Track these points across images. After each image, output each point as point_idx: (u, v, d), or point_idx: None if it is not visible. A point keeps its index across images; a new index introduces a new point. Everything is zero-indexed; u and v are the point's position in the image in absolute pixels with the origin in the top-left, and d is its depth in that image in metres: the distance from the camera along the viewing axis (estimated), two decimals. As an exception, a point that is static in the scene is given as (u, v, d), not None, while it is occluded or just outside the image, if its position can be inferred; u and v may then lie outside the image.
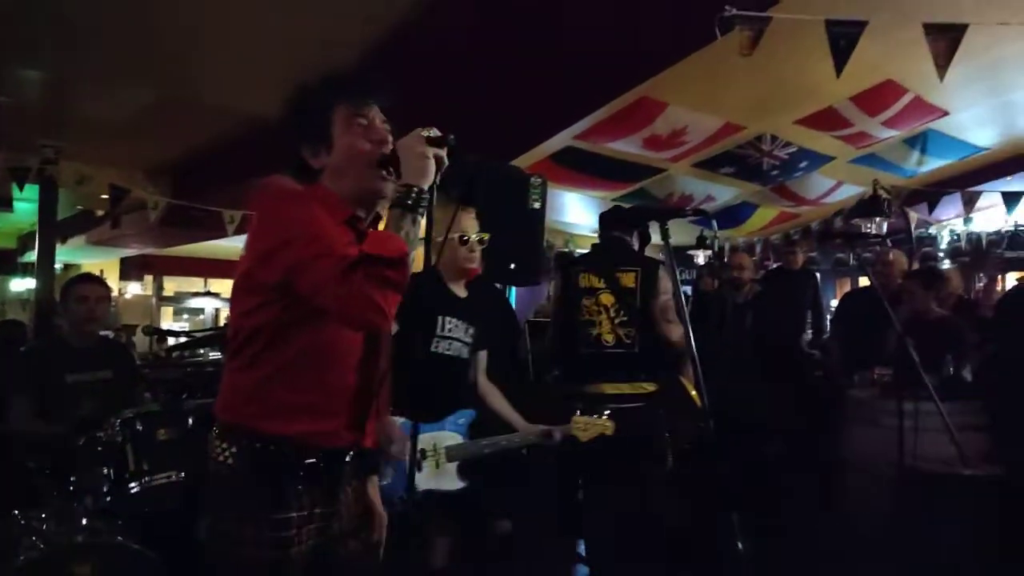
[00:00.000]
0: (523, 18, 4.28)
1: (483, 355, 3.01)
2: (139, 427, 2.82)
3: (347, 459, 1.68)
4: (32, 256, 10.48)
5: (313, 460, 1.60)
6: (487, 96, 4.87)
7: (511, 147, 5.57)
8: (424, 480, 2.68)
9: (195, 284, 15.09)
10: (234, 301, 1.63)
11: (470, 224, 2.85)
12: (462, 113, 4.90)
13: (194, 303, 15.09)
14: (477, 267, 2.87)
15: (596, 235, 8.82)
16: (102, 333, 3.81)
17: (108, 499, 2.71)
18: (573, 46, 4.38)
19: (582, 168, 6.48)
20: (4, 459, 3.07)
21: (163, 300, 14.94)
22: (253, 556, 1.53)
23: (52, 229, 6.75)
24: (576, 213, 8.11)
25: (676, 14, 4.04)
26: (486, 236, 2.86)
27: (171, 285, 15.09)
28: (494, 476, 2.91)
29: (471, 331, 2.89)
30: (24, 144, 6.20)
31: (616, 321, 3.38)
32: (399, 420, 2.58)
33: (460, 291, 2.90)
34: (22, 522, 2.62)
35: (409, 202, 1.51)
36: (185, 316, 15.55)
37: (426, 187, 1.52)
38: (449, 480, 2.74)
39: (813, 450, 4.14)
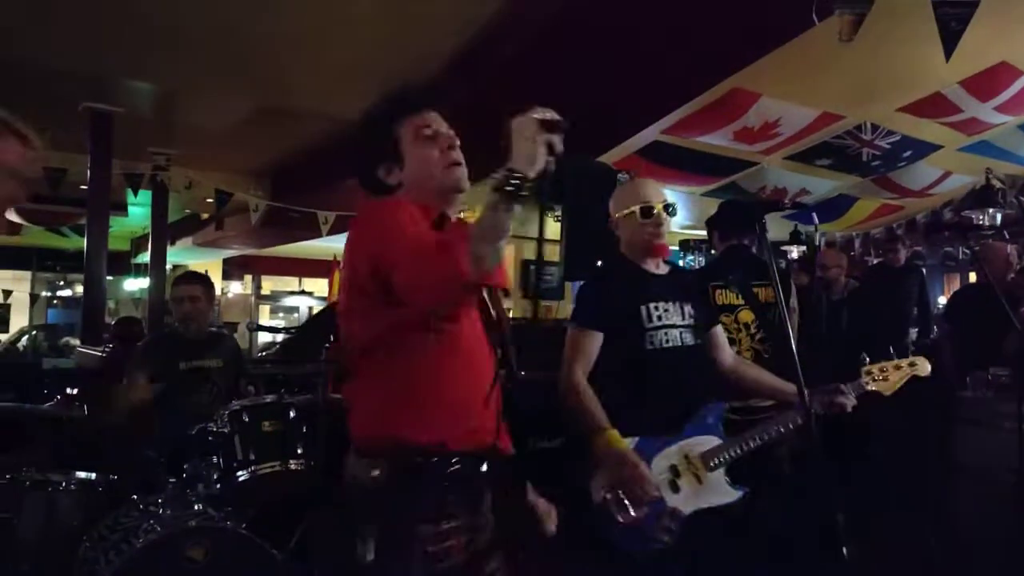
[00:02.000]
0: (611, 10, 4.24)
1: (719, 331, 2.51)
2: (246, 419, 2.96)
3: (487, 465, 1.64)
4: (143, 257, 11.20)
5: (457, 466, 1.57)
6: (573, 91, 4.84)
7: (598, 143, 5.53)
8: (687, 501, 2.17)
9: (290, 283, 15.73)
10: (344, 322, 1.64)
11: (652, 191, 2.34)
12: (548, 109, 4.92)
13: (289, 301, 15.72)
14: (666, 242, 2.36)
15: (684, 231, 8.71)
16: (211, 327, 4.02)
17: (218, 486, 2.86)
18: (662, 37, 4.31)
19: (670, 163, 6.38)
20: (126, 448, 3.28)
21: (261, 299, 15.63)
22: (418, 572, 1.52)
23: (163, 232, 7.18)
24: (664, 209, 7.97)
25: (770, 1, 3.91)
26: (673, 202, 2.35)
27: (268, 284, 15.78)
28: (773, 471, 2.48)
29: (688, 309, 2.35)
30: (137, 152, 6.64)
31: (756, 338, 3.19)
32: (630, 442, 2.14)
33: (657, 269, 2.38)
34: (140, 507, 2.78)
35: (509, 188, 1.36)
36: (281, 314, 16.21)
37: (533, 174, 1.39)
38: (721, 492, 2.22)
39: (922, 454, 3.93)
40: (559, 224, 5.46)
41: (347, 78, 5.11)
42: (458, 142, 1.67)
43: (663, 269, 2.39)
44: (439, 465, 1.55)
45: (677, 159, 6.26)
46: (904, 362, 2.36)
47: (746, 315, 3.21)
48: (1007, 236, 5.44)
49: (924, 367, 2.36)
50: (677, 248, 8.54)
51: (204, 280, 3.67)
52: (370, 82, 5.35)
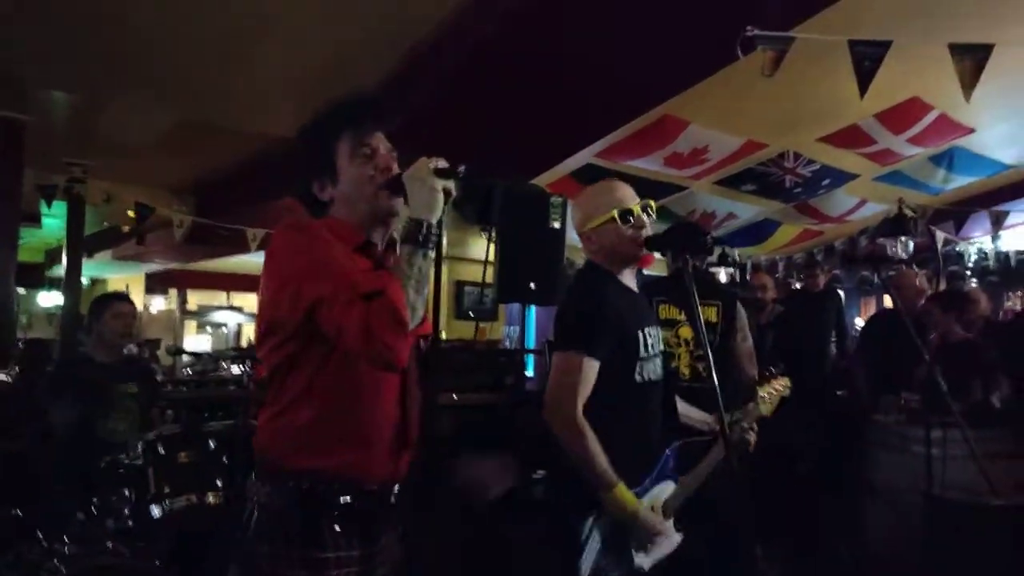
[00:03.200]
0: (543, 37, 4.29)
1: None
2: (161, 450, 2.84)
3: (388, 498, 1.62)
4: (59, 270, 10.67)
5: (349, 498, 1.55)
6: (507, 115, 4.89)
7: (531, 166, 5.58)
8: (650, 555, 2.00)
9: (218, 298, 15.26)
10: (259, 345, 1.63)
11: (626, 192, 2.15)
12: (481, 132, 4.94)
13: (217, 317, 15.24)
14: (648, 253, 2.10)
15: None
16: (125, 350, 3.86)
17: (130, 522, 2.73)
18: (595, 65, 4.39)
19: (601, 185, 6.46)
20: (30, 480, 3.10)
21: (187, 314, 15.10)
22: None
23: (79, 245, 6.87)
24: (596, 230, 8.08)
25: (697, 34, 4.04)
26: (653, 203, 2.15)
27: (194, 299, 15.26)
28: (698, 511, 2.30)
29: (659, 336, 2.17)
30: (52, 162, 6.33)
31: (695, 355, 3.24)
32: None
33: (633, 284, 2.16)
34: (45, 543, 2.63)
35: (420, 238, 1.48)
36: (208, 330, 15.70)
37: (435, 221, 1.49)
38: (672, 538, 2.06)
39: (838, 474, 4.07)
40: (493, 245, 5.49)
41: (275, 94, 5.01)
42: (395, 165, 1.64)
43: (635, 284, 2.16)
44: (324, 493, 1.53)
45: (610, 182, 6.35)
46: (777, 384, 2.39)
47: (686, 331, 3.28)
48: (915, 267, 5.72)
49: (787, 388, 2.43)
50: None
51: (131, 302, 3.57)
52: (299, 98, 5.29)
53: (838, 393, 5.11)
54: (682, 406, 2.32)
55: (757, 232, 8.04)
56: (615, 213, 2.07)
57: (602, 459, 1.91)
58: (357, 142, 1.63)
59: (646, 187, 6.60)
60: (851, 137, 5.70)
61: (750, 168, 6.32)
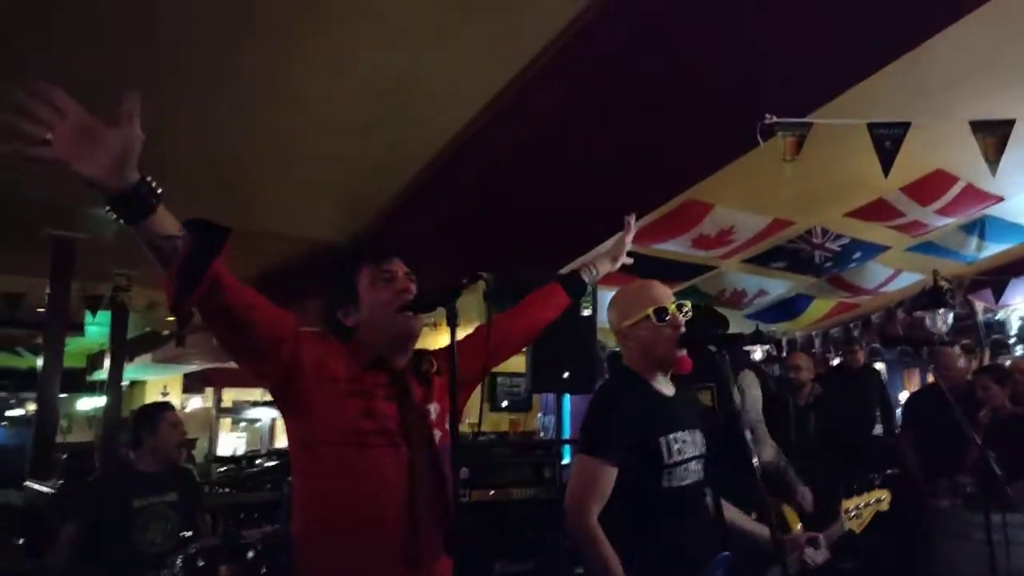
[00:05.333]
0: (567, 130, 4.42)
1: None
2: (200, 563, 2.81)
3: None
4: (99, 374, 10.89)
5: None
6: (535, 209, 5.00)
7: (560, 257, 5.65)
8: None
9: (252, 394, 15.37)
10: None
11: (661, 291, 2.14)
12: (511, 226, 5.05)
13: (251, 413, 15.32)
14: (684, 352, 2.05)
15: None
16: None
17: (170, 641, 2.68)
18: (617, 157, 4.50)
19: (632, 270, 6.48)
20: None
21: (222, 412, 15.21)
22: None
23: (122, 351, 7.03)
24: (627, 313, 8.08)
25: (717, 123, 4.13)
26: (687, 304, 2.11)
27: (229, 396, 15.40)
28: None
29: (700, 439, 2.08)
30: (99, 272, 6.56)
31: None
32: None
33: (668, 388, 2.10)
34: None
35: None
36: (243, 426, 15.76)
37: None
38: None
39: (897, 565, 3.87)
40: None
41: (312, 200, 5.19)
42: (414, 289, 1.76)
43: (671, 389, 2.11)
44: None
45: (638, 266, 6.34)
46: (872, 497, 2.27)
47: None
48: (957, 344, 5.59)
49: (887, 501, 2.29)
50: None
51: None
52: (334, 205, 5.49)
53: (888, 472, 4.93)
54: (734, 515, 2.20)
55: (790, 308, 7.97)
56: (651, 311, 2.06)
57: (615, 566, 1.86)
58: (377, 270, 1.76)
59: (675, 269, 6.66)
60: (878, 211, 5.70)
61: (779, 246, 6.33)
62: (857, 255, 6.61)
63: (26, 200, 5.09)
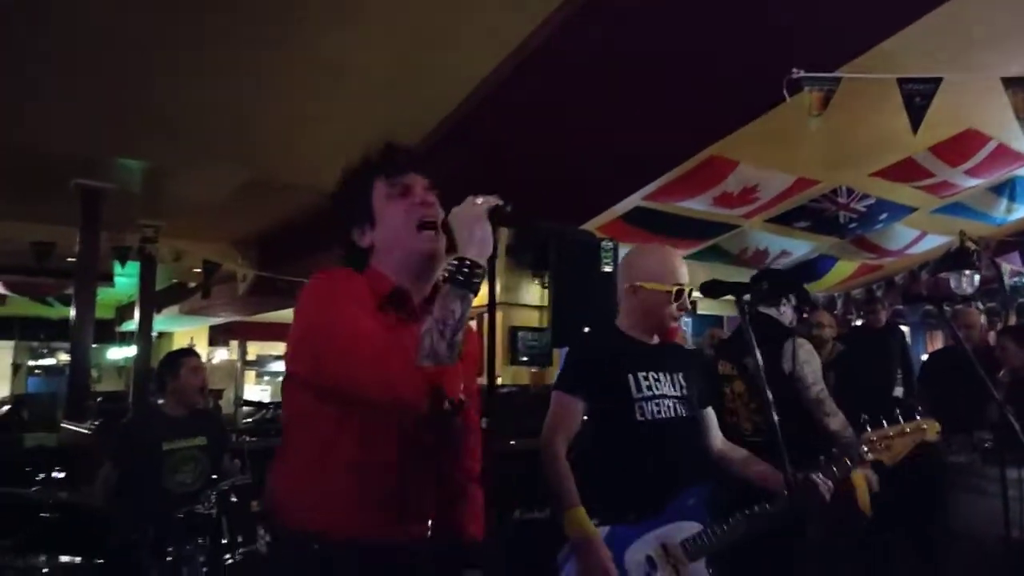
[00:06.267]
0: (593, 85, 4.39)
1: (710, 412, 2.34)
2: (233, 499, 2.93)
3: (407, 559, 1.52)
4: (128, 325, 11.14)
5: (352, 558, 1.46)
6: (558, 163, 4.99)
7: (583, 211, 5.66)
8: None
9: (276, 348, 15.63)
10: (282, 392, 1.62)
11: (684, 272, 2.22)
12: (534, 181, 5.05)
13: (275, 367, 15.60)
14: (679, 327, 2.28)
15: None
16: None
17: (205, 570, 2.80)
18: (644, 111, 4.47)
19: (653, 228, 6.50)
20: (110, 531, 3.23)
21: (247, 364, 15.50)
22: None
23: (151, 301, 7.18)
24: (648, 271, 8.08)
25: (743, 77, 4.08)
26: (693, 289, 2.23)
27: (254, 349, 15.68)
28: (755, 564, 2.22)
29: (681, 381, 2.21)
30: (126, 224, 6.69)
31: (752, 407, 3.12)
32: (604, 530, 2.00)
33: (650, 340, 2.25)
34: (126, 593, 2.74)
35: (460, 278, 1.36)
36: (266, 379, 16.07)
37: (483, 262, 1.38)
38: None
39: (913, 519, 3.92)
40: (545, 290, 5.56)
41: (335, 152, 5.21)
42: (436, 204, 1.57)
43: (655, 340, 2.26)
44: (325, 552, 1.45)
45: (660, 224, 6.39)
46: (910, 426, 2.07)
47: (739, 385, 3.19)
48: (979, 305, 5.54)
49: (933, 429, 2.10)
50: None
51: (199, 356, 3.72)
52: (351, 155, 5.51)
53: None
54: (746, 459, 2.28)
55: (813, 268, 7.93)
56: (673, 289, 2.15)
57: (564, 482, 2.03)
58: (392, 183, 1.58)
59: (696, 227, 6.65)
60: (906, 171, 5.63)
61: (802, 205, 6.28)
62: (883, 216, 6.54)
63: (54, 150, 5.18)
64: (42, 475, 3.94)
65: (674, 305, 2.15)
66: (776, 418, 1.89)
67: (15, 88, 4.39)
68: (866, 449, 2.06)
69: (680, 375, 2.22)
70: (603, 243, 5.12)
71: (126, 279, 8.08)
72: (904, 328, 6.39)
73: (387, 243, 1.56)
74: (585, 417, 2.16)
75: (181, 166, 5.55)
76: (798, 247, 7.38)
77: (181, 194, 6.17)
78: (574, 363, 2.24)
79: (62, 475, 3.31)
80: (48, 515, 2.89)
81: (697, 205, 6.10)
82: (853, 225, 6.64)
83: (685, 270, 2.22)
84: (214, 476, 3.40)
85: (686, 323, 7.93)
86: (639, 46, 4.00)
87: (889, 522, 4.00)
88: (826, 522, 2.94)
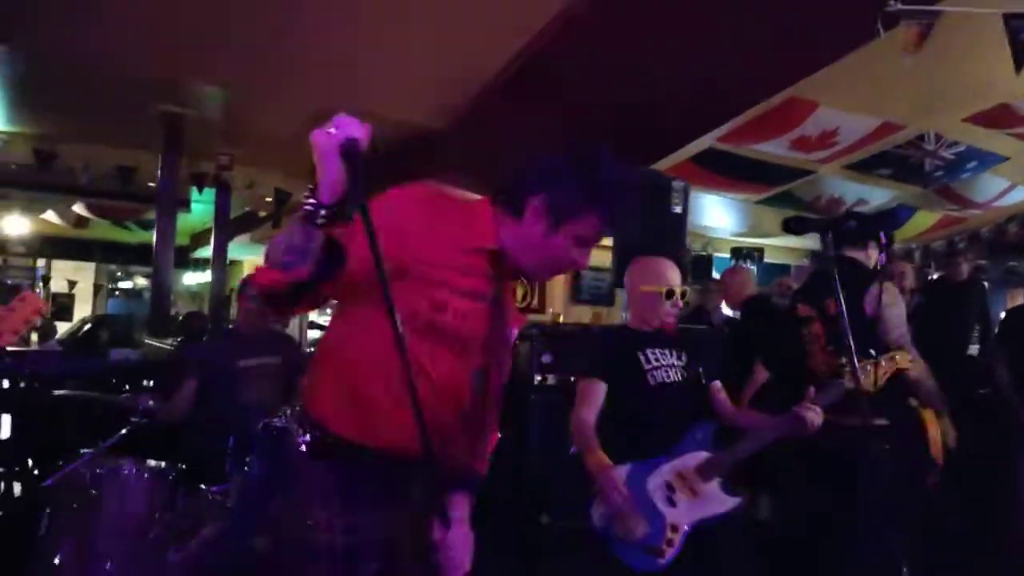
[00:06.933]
0: (664, 18, 4.25)
1: (715, 385, 2.67)
2: (307, 415, 3.07)
3: (413, 474, 1.63)
4: (202, 252, 11.55)
5: (373, 462, 1.59)
6: (627, 99, 4.88)
7: (652, 151, 5.54)
8: (685, 514, 2.38)
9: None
10: None
11: (676, 276, 2.64)
12: (604, 118, 4.96)
13: (337, 296, 15.99)
14: (675, 322, 2.69)
15: (735, 239, 8.63)
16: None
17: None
18: (719, 46, 4.30)
19: (724, 170, 6.34)
20: (192, 439, 3.44)
21: (312, 293, 15.93)
22: (324, 540, 1.57)
23: (226, 229, 7.42)
24: (716, 216, 7.93)
25: (831, 9, 3.86)
26: (688, 290, 2.70)
27: (320, 278, 16.07)
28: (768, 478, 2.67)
29: (684, 357, 2.65)
30: (203, 152, 6.87)
31: (829, 349, 3.14)
32: (624, 467, 2.40)
33: (651, 328, 2.69)
34: (207, 496, 2.93)
35: (306, 209, 1.39)
36: (329, 308, 16.52)
37: (327, 199, 1.36)
38: (718, 501, 2.40)
39: (984, 480, 3.82)
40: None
41: (406, 83, 5.22)
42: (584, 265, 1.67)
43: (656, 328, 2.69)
44: (350, 453, 1.58)
45: (731, 167, 6.22)
46: (883, 357, 2.46)
47: (817, 327, 3.20)
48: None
49: (904, 358, 2.48)
50: (728, 255, 8.48)
51: None
52: (428, 88, 5.51)
53: (981, 392, 4.79)
54: (758, 418, 2.59)
55: (891, 218, 7.62)
56: (664, 290, 2.59)
57: (592, 440, 2.42)
58: (596, 231, 1.60)
59: (769, 172, 6.45)
60: (1001, 117, 5.30)
61: (885, 151, 6.00)
62: (972, 165, 6.20)
63: (138, 75, 5.32)
64: (129, 386, 4.21)
65: (667, 303, 2.59)
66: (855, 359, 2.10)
67: (100, 12, 4.50)
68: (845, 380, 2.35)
69: (683, 352, 2.65)
70: (673, 183, 5.02)
71: (200, 206, 8.35)
72: (985, 284, 6.13)
73: (532, 245, 1.61)
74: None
75: (256, 93, 5.64)
76: (876, 195, 7.09)
77: (256, 123, 6.28)
78: (593, 353, 2.71)
79: (150, 384, 3.52)
80: (136, 421, 3.12)
81: (772, 148, 5.90)
82: (939, 174, 6.32)
83: (676, 274, 2.65)
84: (287, 394, 3.57)
85: (752, 270, 7.77)
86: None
87: (960, 486, 3.91)
88: (896, 465, 2.95)
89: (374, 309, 1.37)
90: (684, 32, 4.28)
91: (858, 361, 2.28)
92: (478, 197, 1.70)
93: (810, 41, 4.16)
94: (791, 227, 2.27)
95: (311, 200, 1.36)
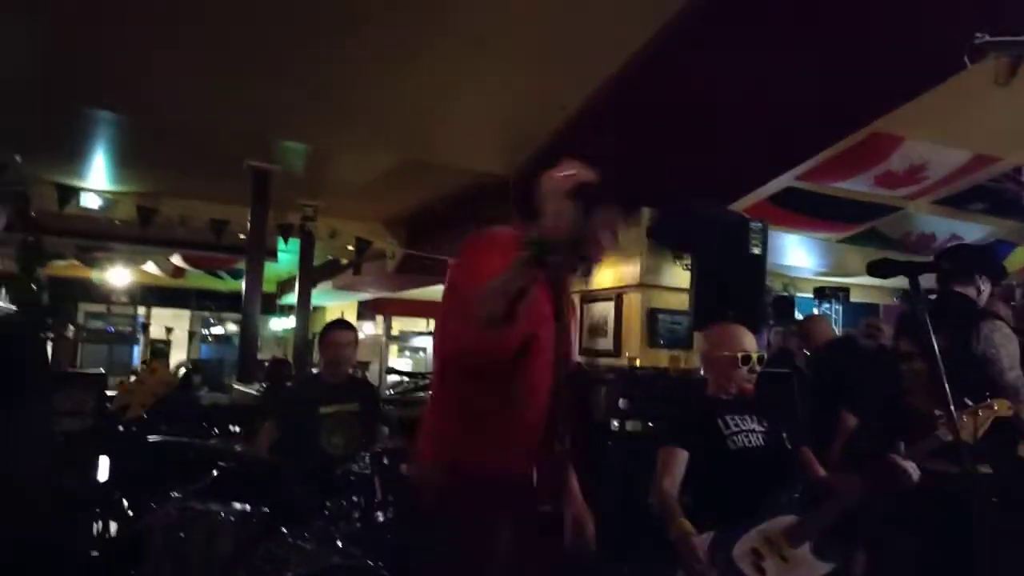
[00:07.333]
0: (743, 52, 4.21)
1: (806, 452, 2.66)
2: (385, 461, 3.11)
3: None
4: (287, 299, 12.00)
5: (496, 491, 1.70)
6: (705, 138, 4.83)
7: (730, 190, 5.45)
8: None
9: (419, 324, 16.28)
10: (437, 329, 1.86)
11: (751, 341, 2.67)
12: (681, 157, 4.93)
13: (417, 342, 16.26)
14: (753, 388, 2.68)
15: (818, 278, 8.34)
16: (350, 371, 4.25)
17: (358, 524, 3.00)
18: (800, 80, 4.23)
19: (804, 210, 6.17)
20: (276, 483, 3.51)
21: (391, 339, 16.27)
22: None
23: (309, 276, 7.71)
24: (797, 255, 7.70)
25: (917, 41, 3.75)
26: (764, 355, 2.71)
27: (398, 325, 16.42)
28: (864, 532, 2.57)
29: (765, 423, 2.63)
30: (288, 204, 7.21)
31: (931, 388, 3.05)
32: (709, 535, 2.34)
33: (730, 395, 2.71)
34: (289, 540, 2.97)
35: (531, 251, 1.41)
36: (407, 353, 16.79)
37: (558, 236, 1.37)
38: (808, 567, 2.33)
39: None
40: (687, 273, 5.42)
41: (483, 133, 5.35)
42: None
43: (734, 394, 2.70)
44: (480, 486, 1.71)
45: (812, 205, 6.05)
46: (980, 406, 2.33)
47: (919, 364, 3.02)
48: None
49: (1003, 406, 2.35)
50: (811, 296, 8.19)
51: (353, 329, 3.90)
52: (498, 135, 5.64)
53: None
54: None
55: (988, 255, 7.23)
56: (739, 355, 2.62)
57: (672, 505, 2.40)
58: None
59: (851, 209, 6.24)
60: (1106, 146, 4.99)
61: (979, 185, 5.72)
62: (1075, 197, 5.85)
63: (229, 134, 5.65)
64: (217, 430, 4.36)
65: (744, 368, 2.61)
66: (950, 401, 1.95)
67: (198, 80, 4.82)
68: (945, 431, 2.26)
69: (764, 417, 2.63)
70: (751, 224, 4.92)
71: (286, 255, 8.72)
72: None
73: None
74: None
75: (338, 147, 5.89)
76: (970, 231, 6.74)
77: (338, 175, 6.56)
78: (672, 420, 2.72)
79: (237, 430, 3.64)
80: (224, 465, 3.21)
81: (855, 185, 5.71)
82: (1039, 207, 5.98)
83: (751, 340, 2.68)
84: (366, 440, 3.61)
85: (837, 312, 7.47)
86: (799, 12, 3.78)
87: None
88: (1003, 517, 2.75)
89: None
90: (762, 70, 4.24)
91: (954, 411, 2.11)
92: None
93: (896, 73, 4.04)
94: (877, 271, 2.16)
95: (537, 241, 1.39)
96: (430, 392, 1.84)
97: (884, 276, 2.07)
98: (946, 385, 1.97)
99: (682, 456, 2.51)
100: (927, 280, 3.23)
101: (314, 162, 6.29)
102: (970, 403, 2.32)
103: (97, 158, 6.63)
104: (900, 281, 2.11)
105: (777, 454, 2.56)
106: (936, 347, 1.97)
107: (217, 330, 16.98)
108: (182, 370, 12.55)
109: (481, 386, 1.71)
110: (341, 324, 4.02)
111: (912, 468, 2.23)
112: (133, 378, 2.02)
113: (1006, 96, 4.05)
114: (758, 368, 2.64)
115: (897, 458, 2.23)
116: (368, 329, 15.97)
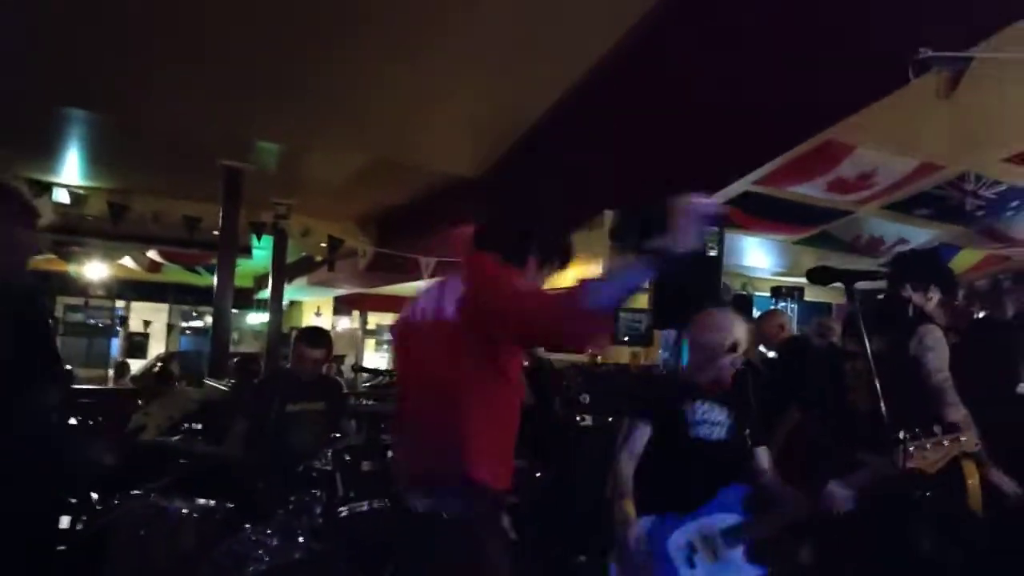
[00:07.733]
0: (698, 68, 4.36)
1: (760, 451, 2.61)
2: (347, 458, 3.23)
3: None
4: (264, 294, 12.03)
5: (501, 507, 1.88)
6: (664, 144, 4.99)
7: (689, 194, 5.60)
8: None
9: (394, 319, 16.35)
10: (441, 353, 1.86)
11: (741, 331, 2.60)
12: (639, 162, 5.09)
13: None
14: (730, 380, 2.64)
15: (775, 278, 8.52)
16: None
17: (320, 520, 3.12)
18: (755, 91, 4.39)
19: (761, 213, 6.36)
20: (240, 479, 3.62)
21: (367, 333, 16.35)
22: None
23: (282, 273, 7.80)
24: (755, 256, 7.92)
25: (865, 56, 3.91)
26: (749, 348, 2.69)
27: (374, 319, 16.50)
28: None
29: (732, 414, 2.59)
30: (261, 202, 7.28)
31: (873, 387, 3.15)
32: (650, 518, 2.39)
33: (707, 382, 2.65)
34: (252, 536, 3.07)
35: (656, 257, 1.69)
36: (384, 347, 16.88)
37: (680, 251, 1.65)
38: (736, 570, 2.34)
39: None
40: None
41: (447, 135, 5.48)
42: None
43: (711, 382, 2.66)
44: (497, 505, 1.85)
45: (769, 209, 6.25)
46: (947, 438, 2.20)
47: (861, 364, 3.03)
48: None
49: (970, 442, 2.24)
50: (768, 294, 8.42)
51: (323, 345, 3.86)
52: (470, 138, 5.76)
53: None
54: (785, 494, 2.51)
55: (934, 257, 7.46)
56: (727, 342, 2.55)
57: (624, 485, 2.42)
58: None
59: (806, 213, 6.44)
60: (1042, 157, 5.22)
61: (925, 191, 5.94)
62: (1015, 203, 6.07)
63: (203, 134, 5.72)
64: (184, 427, 4.44)
65: (728, 356, 2.54)
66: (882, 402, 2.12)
67: (171, 80, 4.89)
68: (902, 459, 2.18)
69: (733, 412, 2.59)
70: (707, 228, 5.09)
71: (262, 252, 8.79)
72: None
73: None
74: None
75: (311, 146, 5.98)
76: (917, 235, 6.97)
77: (310, 175, 6.65)
78: (640, 399, 2.69)
79: (199, 427, 3.72)
80: (186, 462, 3.31)
81: (809, 190, 5.91)
82: (980, 213, 6.21)
83: (743, 330, 2.59)
84: (331, 436, 3.73)
85: (792, 310, 7.69)
86: (757, 21, 3.92)
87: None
88: (931, 518, 2.89)
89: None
90: (717, 79, 4.39)
91: (922, 438, 2.17)
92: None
93: (845, 85, 4.21)
94: (813, 278, 2.26)
95: (657, 249, 1.62)
96: (441, 419, 1.84)
97: (823, 283, 2.21)
98: (878, 385, 2.12)
99: (644, 432, 2.51)
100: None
101: (287, 161, 6.37)
102: (937, 432, 2.23)
103: (70, 155, 6.66)
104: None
105: (735, 451, 2.54)
106: (869, 348, 2.08)
107: (196, 323, 16.95)
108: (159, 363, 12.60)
109: (507, 400, 1.87)
110: (312, 339, 3.88)
111: (848, 497, 2.24)
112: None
113: (948, 108, 4.26)
114: (740, 362, 2.59)
115: (837, 488, 2.25)
116: (344, 324, 16.05)
